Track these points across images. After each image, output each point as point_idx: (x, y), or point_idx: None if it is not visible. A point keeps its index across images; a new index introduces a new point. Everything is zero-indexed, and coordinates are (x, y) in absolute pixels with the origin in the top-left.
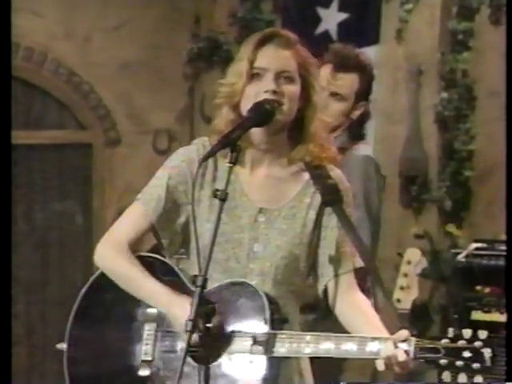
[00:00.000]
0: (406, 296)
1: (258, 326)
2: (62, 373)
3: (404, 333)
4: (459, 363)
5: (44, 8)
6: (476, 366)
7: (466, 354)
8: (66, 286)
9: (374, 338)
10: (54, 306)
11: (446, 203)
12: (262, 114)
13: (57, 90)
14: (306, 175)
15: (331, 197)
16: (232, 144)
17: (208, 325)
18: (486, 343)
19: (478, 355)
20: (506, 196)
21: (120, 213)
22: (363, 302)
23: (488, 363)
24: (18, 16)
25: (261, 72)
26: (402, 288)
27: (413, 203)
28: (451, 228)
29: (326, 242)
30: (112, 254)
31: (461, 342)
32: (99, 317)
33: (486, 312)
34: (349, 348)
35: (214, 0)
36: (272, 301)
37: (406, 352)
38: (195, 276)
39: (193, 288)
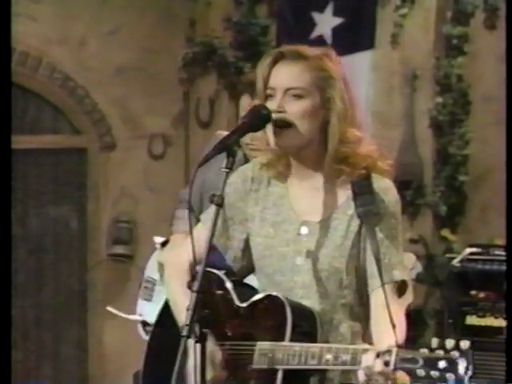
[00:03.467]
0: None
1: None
2: (56, 376)
3: (385, 342)
4: (434, 373)
5: (39, 13)
6: (449, 375)
7: (442, 365)
8: (61, 291)
9: (362, 350)
10: (49, 310)
11: (440, 208)
12: (257, 118)
13: (52, 95)
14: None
15: (369, 208)
16: (228, 149)
17: (204, 330)
18: (464, 354)
19: (452, 365)
20: (506, 200)
21: (114, 217)
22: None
23: (461, 374)
24: (13, 20)
25: (272, 92)
26: None
27: (407, 208)
28: (446, 233)
29: (368, 254)
30: (172, 283)
31: (437, 352)
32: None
33: (480, 317)
34: (327, 358)
35: (208, 5)
36: (302, 316)
37: (386, 362)
38: (192, 281)
39: (237, 302)
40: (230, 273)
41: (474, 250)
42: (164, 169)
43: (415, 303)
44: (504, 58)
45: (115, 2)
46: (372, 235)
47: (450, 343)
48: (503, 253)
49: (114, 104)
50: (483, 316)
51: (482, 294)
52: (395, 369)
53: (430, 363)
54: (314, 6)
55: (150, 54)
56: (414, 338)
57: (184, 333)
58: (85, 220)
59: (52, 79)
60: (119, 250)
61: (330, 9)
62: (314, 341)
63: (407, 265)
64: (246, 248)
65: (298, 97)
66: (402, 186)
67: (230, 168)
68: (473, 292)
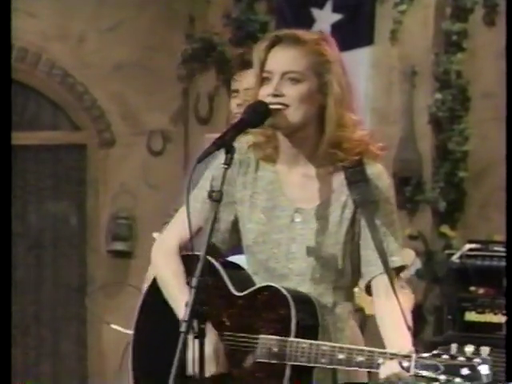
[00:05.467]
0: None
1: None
2: (56, 373)
3: (398, 344)
4: (457, 381)
5: (38, 9)
6: (473, 383)
7: (465, 372)
8: (60, 287)
9: (379, 353)
10: (48, 307)
11: (440, 204)
12: (257, 114)
13: (51, 91)
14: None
15: (365, 195)
16: (227, 145)
17: (202, 326)
18: (485, 360)
19: (475, 372)
20: (506, 196)
21: (114, 213)
22: (395, 306)
23: (484, 381)
24: (12, 16)
25: (269, 75)
26: None
27: (407, 204)
28: (445, 229)
29: (364, 240)
30: (159, 262)
31: (460, 359)
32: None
33: (479, 313)
34: (339, 358)
35: (208, 1)
36: (304, 309)
37: (406, 368)
38: (190, 277)
39: (234, 291)
40: (215, 252)
41: (473, 246)
42: (163, 165)
43: (414, 299)
44: (503, 54)
45: None
46: (370, 223)
47: (469, 349)
48: (502, 249)
49: (114, 100)
50: (482, 312)
51: (481, 290)
52: (415, 375)
53: (452, 370)
54: (313, 2)
55: (150, 51)
56: (413, 334)
57: (183, 329)
58: (84, 216)
59: (51, 75)
60: (118, 246)
61: (329, 5)
62: (316, 331)
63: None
64: (234, 230)
65: (295, 81)
66: (401, 182)
67: (229, 164)
68: (472, 288)
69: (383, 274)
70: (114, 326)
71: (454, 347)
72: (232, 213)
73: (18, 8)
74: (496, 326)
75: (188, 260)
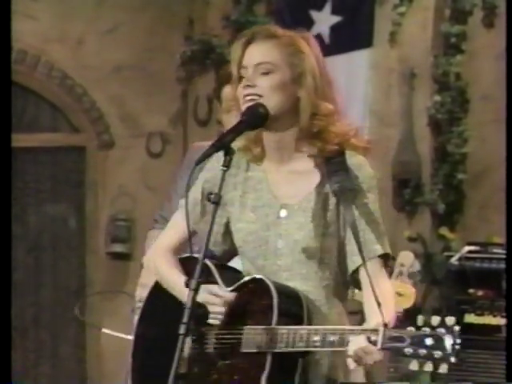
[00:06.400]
0: (400, 299)
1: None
2: (54, 376)
3: (371, 322)
4: (422, 351)
5: (37, 11)
6: (437, 353)
7: (429, 342)
8: (60, 289)
9: (349, 330)
10: (47, 309)
11: (439, 206)
12: (256, 117)
13: (50, 93)
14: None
15: (344, 184)
16: (225, 147)
17: (201, 327)
18: (450, 330)
19: (439, 342)
20: (506, 198)
21: (113, 215)
22: (379, 291)
23: (449, 351)
24: (11, 18)
25: (244, 72)
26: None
27: (406, 206)
28: (444, 231)
29: (347, 232)
30: (157, 261)
31: (424, 330)
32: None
33: (478, 315)
34: (314, 340)
35: (207, 3)
36: (288, 299)
37: (373, 342)
38: (188, 279)
39: (223, 287)
40: (212, 257)
41: (472, 248)
42: (162, 167)
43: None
44: (502, 56)
45: (114, 1)
46: (348, 212)
47: (435, 320)
48: (501, 251)
49: (113, 102)
50: (481, 314)
51: (480, 292)
52: (382, 348)
53: (417, 341)
54: (312, 4)
55: (149, 53)
56: None
57: (181, 331)
58: (83, 218)
59: (50, 77)
60: (117, 248)
61: (328, 7)
62: (301, 323)
63: (400, 262)
64: (226, 232)
65: (268, 72)
66: (400, 184)
67: (227, 166)
68: (471, 290)
69: (364, 263)
70: (105, 331)
71: (420, 319)
72: (224, 215)
73: (17, 10)
74: (495, 328)
75: (185, 262)
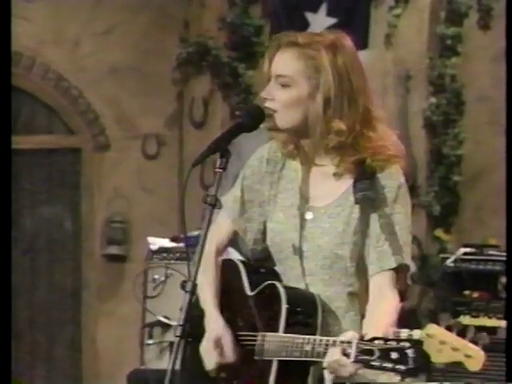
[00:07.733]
0: (468, 360)
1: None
2: (50, 377)
3: (348, 334)
4: (387, 365)
5: (33, 13)
6: (400, 367)
7: (394, 356)
8: (55, 291)
9: (326, 341)
10: (43, 311)
11: (434, 208)
12: (252, 118)
13: (45, 95)
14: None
15: (369, 195)
16: (222, 149)
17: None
18: (413, 344)
19: (403, 356)
20: (506, 200)
21: (108, 217)
22: (379, 306)
23: (411, 365)
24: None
25: (270, 79)
26: None
27: None
28: (439, 233)
29: (366, 241)
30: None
31: (390, 343)
32: None
33: (474, 317)
34: (306, 350)
35: (202, 5)
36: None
37: (347, 355)
38: (184, 281)
39: (249, 292)
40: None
41: (467, 250)
42: (158, 169)
43: (409, 303)
44: (498, 57)
45: (109, 3)
46: (369, 221)
47: (404, 333)
48: (497, 253)
49: (108, 104)
50: (477, 316)
51: (475, 294)
52: (355, 361)
53: (384, 355)
54: (307, 6)
55: (144, 54)
56: None
57: (177, 333)
58: (79, 220)
59: (46, 79)
60: (113, 250)
61: (323, 9)
62: (314, 330)
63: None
64: (265, 231)
65: (285, 85)
66: None
67: (224, 168)
68: (466, 292)
69: (379, 273)
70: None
71: (391, 332)
72: (263, 213)
73: (13, 12)
74: (490, 330)
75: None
